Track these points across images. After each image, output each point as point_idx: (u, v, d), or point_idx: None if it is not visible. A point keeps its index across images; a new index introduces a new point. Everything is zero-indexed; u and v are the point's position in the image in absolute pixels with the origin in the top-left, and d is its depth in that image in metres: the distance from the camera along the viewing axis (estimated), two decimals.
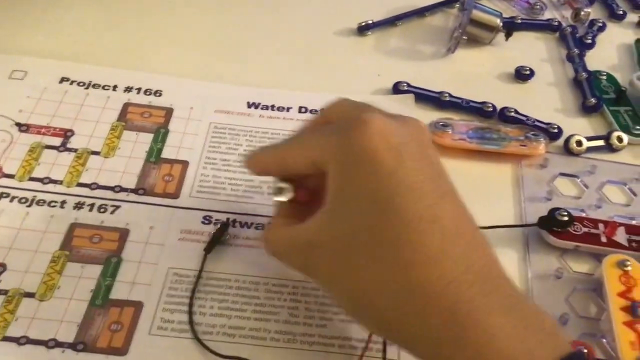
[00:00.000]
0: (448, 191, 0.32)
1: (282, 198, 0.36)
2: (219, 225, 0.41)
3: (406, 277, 0.29)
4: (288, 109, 0.50)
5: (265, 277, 0.39)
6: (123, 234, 0.41)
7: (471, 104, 0.52)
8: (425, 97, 0.52)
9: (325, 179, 0.32)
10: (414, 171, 0.30)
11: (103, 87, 0.50)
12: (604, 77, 0.55)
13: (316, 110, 0.50)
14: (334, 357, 0.36)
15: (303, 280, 0.39)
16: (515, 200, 0.46)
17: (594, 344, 0.38)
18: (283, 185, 0.36)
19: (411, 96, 0.51)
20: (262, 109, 0.50)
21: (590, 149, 0.49)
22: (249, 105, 0.50)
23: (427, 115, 0.51)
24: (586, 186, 0.47)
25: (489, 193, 0.46)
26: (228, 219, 0.42)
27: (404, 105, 0.51)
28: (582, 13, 0.59)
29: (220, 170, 0.45)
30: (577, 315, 0.39)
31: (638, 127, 0.50)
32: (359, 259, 0.30)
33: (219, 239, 0.40)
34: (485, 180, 0.47)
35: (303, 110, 0.50)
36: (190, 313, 0.37)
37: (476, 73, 0.56)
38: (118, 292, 0.38)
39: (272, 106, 0.50)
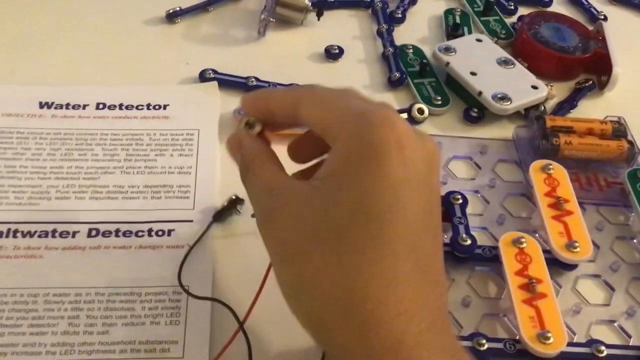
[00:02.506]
0: (434, 226, 0.30)
1: (253, 131, 0.33)
2: None
3: (357, 285, 0.27)
4: (84, 107, 0.48)
5: (45, 288, 0.37)
6: None
7: (278, 87, 0.51)
8: (233, 84, 0.51)
9: (328, 152, 0.30)
10: (412, 193, 0.28)
11: None
12: (411, 51, 0.56)
13: (115, 106, 0.48)
14: None
15: (87, 287, 0.37)
16: None
17: None
18: (252, 119, 0.33)
19: (214, 84, 0.50)
20: (55, 108, 0.47)
21: None
22: (41, 106, 0.47)
23: (235, 101, 0.49)
24: None
25: None
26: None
27: (208, 94, 0.50)
28: None
29: (4, 177, 0.42)
30: None
31: (439, 98, 0.51)
32: (324, 243, 0.28)
33: None
34: (290, 163, 0.47)
35: (101, 106, 0.48)
36: None
37: (288, 55, 0.56)
38: None
39: (67, 104, 0.48)
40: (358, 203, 0.28)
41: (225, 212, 0.41)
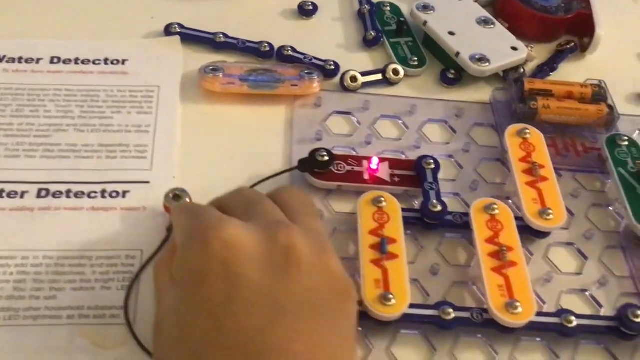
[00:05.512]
0: (281, 326, 0.28)
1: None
2: None
3: None
4: (38, 61, 0.45)
5: None
6: None
7: (248, 44, 0.49)
8: (200, 39, 0.49)
9: None
10: (244, 309, 0.27)
11: None
12: (388, 9, 0.53)
13: (70, 60, 0.45)
14: (60, 329, 0.32)
15: (35, 250, 0.35)
16: (286, 143, 0.44)
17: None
18: (179, 192, 0.37)
19: (176, 38, 0.48)
20: (7, 62, 0.45)
21: (367, 84, 0.47)
22: None
23: (202, 58, 0.47)
24: (359, 123, 0.45)
25: (260, 138, 0.44)
26: None
27: (170, 49, 0.47)
28: None
29: None
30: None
31: (415, 59, 0.49)
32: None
33: None
34: (258, 125, 0.45)
35: (56, 60, 0.45)
36: None
37: (260, 10, 0.53)
38: None
39: (20, 58, 0.45)
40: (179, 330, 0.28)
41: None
